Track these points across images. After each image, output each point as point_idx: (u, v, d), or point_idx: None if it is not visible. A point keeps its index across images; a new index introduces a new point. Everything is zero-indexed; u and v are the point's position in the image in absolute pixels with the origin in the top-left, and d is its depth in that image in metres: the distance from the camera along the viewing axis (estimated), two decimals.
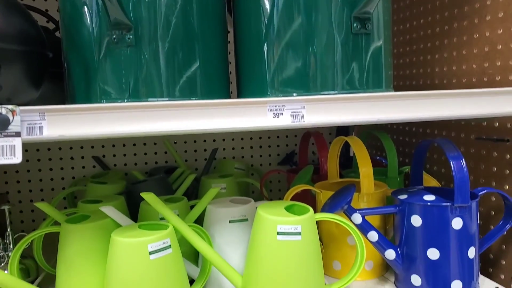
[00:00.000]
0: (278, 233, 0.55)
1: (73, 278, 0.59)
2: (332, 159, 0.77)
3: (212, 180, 0.91)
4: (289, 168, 1.10)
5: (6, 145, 0.44)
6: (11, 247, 0.64)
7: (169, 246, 0.55)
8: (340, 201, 0.62)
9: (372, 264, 0.69)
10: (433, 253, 0.60)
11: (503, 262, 0.68)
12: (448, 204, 0.59)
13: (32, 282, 0.70)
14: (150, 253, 0.53)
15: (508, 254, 0.67)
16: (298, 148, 1.00)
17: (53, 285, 0.64)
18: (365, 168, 0.67)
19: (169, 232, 0.56)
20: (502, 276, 0.68)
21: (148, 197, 0.58)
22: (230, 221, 0.66)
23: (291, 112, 0.50)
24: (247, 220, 0.67)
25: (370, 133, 0.87)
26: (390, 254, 0.63)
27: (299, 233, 0.55)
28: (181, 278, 0.55)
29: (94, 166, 1.05)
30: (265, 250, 0.56)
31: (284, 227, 0.55)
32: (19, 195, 1.01)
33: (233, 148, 1.12)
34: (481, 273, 0.70)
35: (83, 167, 1.04)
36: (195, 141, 1.10)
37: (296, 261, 0.55)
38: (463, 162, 0.59)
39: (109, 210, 0.61)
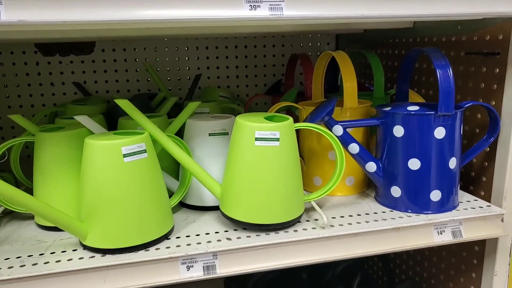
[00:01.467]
0: (256, 139, 0.54)
1: (49, 185, 0.58)
2: (317, 77, 0.75)
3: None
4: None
5: None
6: None
7: (144, 151, 0.53)
8: (321, 111, 0.61)
9: (353, 180, 0.69)
10: (414, 164, 0.60)
11: (484, 179, 0.68)
12: (432, 113, 0.58)
13: None
14: (124, 155, 0.51)
15: (489, 170, 0.67)
16: (285, 73, 0.98)
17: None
18: (350, 83, 0.65)
19: (144, 137, 0.54)
20: (482, 193, 0.69)
21: (123, 103, 0.56)
22: (209, 134, 0.64)
23: (269, 4, 0.46)
24: (227, 133, 0.65)
25: (360, 53, 0.83)
26: (371, 166, 0.63)
27: (277, 139, 0.54)
28: (157, 184, 0.55)
29: (75, 93, 1.02)
30: (243, 157, 0.55)
31: (262, 133, 0.54)
32: (2, 122, 0.99)
33: (218, 77, 1.09)
34: (461, 190, 0.71)
35: (64, 94, 1.01)
36: (178, 69, 1.06)
37: (273, 167, 0.54)
38: (450, 71, 0.57)
39: (83, 119, 0.59)
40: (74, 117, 0.59)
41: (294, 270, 0.92)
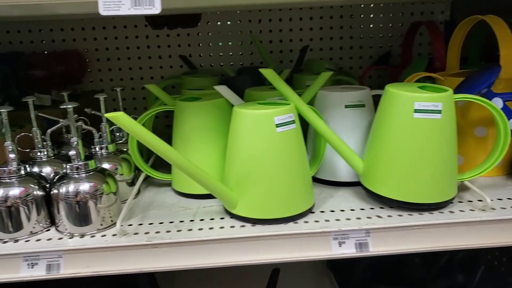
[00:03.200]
0: (415, 111, 0.50)
1: (190, 153, 0.59)
2: (454, 45, 0.68)
3: (306, 76, 0.86)
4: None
5: None
6: (108, 140, 0.64)
7: (293, 122, 0.52)
8: (479, 83, 0.55)
9: (502, 160, 0.63)
10: None
11: None
12: None
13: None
14: (277, 125, 0.50)
15: None
16: (403, 42, 0.91)
17: (162, 167, 0.65)
18: (507, 51, 0.58)
19: (293, 107, 0.52)
20: None
21: (267, 72, 0.54)
22: (346, 106, 0.61)
23: None
24: (363, 105, 0.62)
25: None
26: None
27: (439, 111, 0.49)
28: (303, 156, 0.53)
29: (181, 66, 1.03)
30: (397, 130, 0.51)
31: (422, 104, 0.49)
32: (112, 93, 1.03)
33: (321, 49, 1.04)
34: None
35: (171, 67, 1.03)
36: (280, 41, 1.03)
37: (433, 142, 0.50)
38: None
39: (223, 89, 0.59)
40: (214, 87, 0.59)
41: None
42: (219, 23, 1.01)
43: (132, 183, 0.63)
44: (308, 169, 0.54)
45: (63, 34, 0.99)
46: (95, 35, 1.00)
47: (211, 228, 0.51)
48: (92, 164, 0.53)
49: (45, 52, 0.99)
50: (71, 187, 0.51)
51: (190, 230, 0.51)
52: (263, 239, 0.49)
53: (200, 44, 1.02)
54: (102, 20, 0.99)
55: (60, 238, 0.51)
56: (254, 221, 0.52)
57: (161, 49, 1.02)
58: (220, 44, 1.02)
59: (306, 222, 0.52)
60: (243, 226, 0.51)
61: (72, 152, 0.52)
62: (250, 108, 0.51)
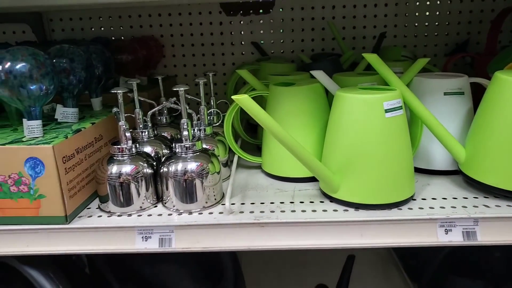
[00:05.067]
0: None
1: None
2: None
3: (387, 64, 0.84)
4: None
5: None
6: (206, 123, 0.65)
7: (401, 107, 0.51)
8: None
9: None
10: None
11: None
12: None
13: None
14: (386, 111, 0.50)
15: None
16: (490, 30, 0.87)
17: (248, 150, 0.67)
18: None
19: (400, 93, 0.52)
20: None
21: (372, 58, 0.54)
22: (445, 93, 0.60)
23: None
24: (463, 93, 0.60)
25: None
26: None
27: None
28: (408, 143, 0.53)
29: (252, 53, 1.04)
30: (508, 118, 0.50)
31: None
32: (185, 78, 1.06)
33: (394, 36, 1.02)
34: None
35: (242, 53, 1.04)
36: (354, 27, 1.01)
37: None
38: None
39: (319, 74, 0.59)
40: (311, 72, 0.59)
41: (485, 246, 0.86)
42: (292, 9, 1.01)
43: (225, 164, 0.65)
44: (411, 156, 0.54)
45: (141, 20, 1.03)
46: (170, 21, 1.03)
47: (314, 211, 0.52)
48: (199, 145, 0.55)
49: (122, 37, 1.04)
50: (180, 166, 0.54)
51: (293, 211, 0.52)
52: (369, 224, 0.50)
53: (272, 31, 1.02)
54: (178, 7, 1.01)
55: (170, 214, 0.53)
56: (357, 206, 0.52)
57: (234, 36, 1.03)
58: (292, 30, 1.02)
59: (410, 208, 0.51)
60: (346, 210, 0.52)
61: (185, 133, 0.54)
62: (356, 93, 0.51)
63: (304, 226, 0.50)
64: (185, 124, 0.54)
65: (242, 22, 1.02)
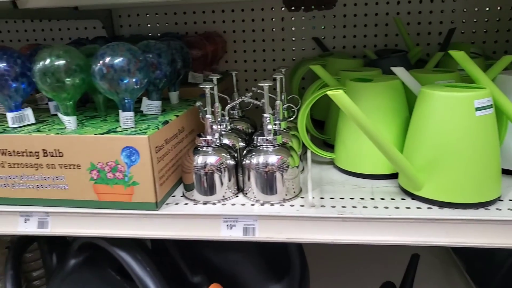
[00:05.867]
0: None
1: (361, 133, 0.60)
2: None
3: (452, 60, 0.82)
4: None
5: None
6: (281, 117, 0.66)
7: (491, 106, 0.50)
8: None
9: None
10: None
11: None
12: None
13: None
14: (476, 109, 0.49)
15: None
16: None
17: (317, 144, 0.67)
18: None
19: (489, 91, 0.51)
20: None
21: (458, 55, 0.53)
22: None
23: None
24: None
25: None
26: None
27: None
28: (496, 141, 0.52)
29: (313, 48, 1.04)
30: None
31: None
32: (245, 74, 1.08)
33: (462, 32, 0.99)
34: None
35: (303, 49, 1.05)
36: (419, 23, 0.99)
37: None
38: None
39: (400, 70, 0.59)
40: (392, 68, 0.59)
41: None
42: (355, 5, 1.00)
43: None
44: (499, 155, 0.52)
45: (204, 16, 1.05)
46: (233, 17, 1.05)
47: (396, 208, 0.52)
48: (279, 139, 0.56)
49: (186, 33, 1.07)
50: (262, 159, 0.55)
51: (375, 207, 0.53)
52: (456, 223, 0.49)
53: (335, 26, 1.02)
54: (241, 3, 1.03)
55: (252, 205, 0.55)
56: (441, 204, 0.52)
57: (295, 31, 1.04)
58: (355, 26, 1.01)
59: (498, 209, 0.51)
60: (429, 208, 0.52)
61: (270, 127, 0.55)
62: (444, 91, 0.51)
63: (388, 222, 0.50)
64: (268, 118, 0.56)
65: (304, 18, 1.03)
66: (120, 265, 0.64)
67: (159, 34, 1.07)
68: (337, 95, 0.44)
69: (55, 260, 0.75)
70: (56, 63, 0.54)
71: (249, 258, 0.75)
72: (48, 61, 0.54)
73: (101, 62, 0.53)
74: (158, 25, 1.08)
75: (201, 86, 0.57)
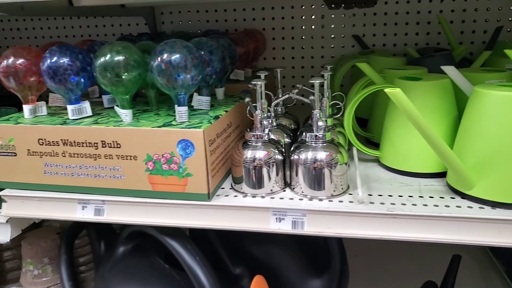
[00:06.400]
0: None
1: (411, 131, 0.60)
2: None
3: (502, 59, 0.80)
4: None
5: None
6: (328, 114, 0.67)
7: None
8: None
9: None
10: None
11: None
12: None
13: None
14: None
15: None
16: None
17: (366, 144, 0.67)
18: None
19: None
20: None
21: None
22: None
23: None
24: None
25: None
26: None
27: None
28: None
29: (353, 46, 1.04)
30: None
31: None
32: (284, 70, 1.09)
33: (508, 31, 0.97)
34: None
35: (343, 46, 1.05)
36: (463, 21, 0.98)
37: None
38: None
39: (451, 70, 0.59)
40: (442, 67, 0.59)
41: None
42: (397, 3, 0.99)
43: None
44: None
45: (245, 13, 1.07)
46: (273, 14, 1.06)
47: (447, 206, 0.52)
48: (328, 135, 0.57)
49: (227, 30, 1.09)
50: (310, 155, 0.56)
51: (425, 205, 0.53)
52: (510, 223, 0.49)
53: (375, 24, 1.02)
54: (282, 0, 1.04)
55: (301, 199, 0.57)
56: (493, 204, 0.51)
57: (335, 29, 1.04)
58: (396, 24, 1.01)
59: None
60: (481, 207, 0.52)
61: (320, 123, 0.57)
62: (500, 90, 0.50)
63: (439, 220, 0.50)
64: (318, 114, 0.57)
65: (344, 15, 1.03)
66: (167, 253, 0.66)
67: (199, 31, 1.09)
68: (395, 93, 0.45)
69: (103, 247, 0.78)
70: (116, 58, 0.57)
71: (290, 252, 0.76)
72: (108, 56, 0.57)
73: (159, 58, 0.55)
74: (199, 22, 1.10)
75: (252, 83, 0.58)
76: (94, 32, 1.16)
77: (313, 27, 1.05)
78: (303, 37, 1.06)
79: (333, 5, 1.02)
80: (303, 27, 1.05)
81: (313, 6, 1.03)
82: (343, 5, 1.01)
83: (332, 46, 1.05)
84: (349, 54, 1.05)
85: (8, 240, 0.66)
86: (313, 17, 1.04)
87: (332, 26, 1.04)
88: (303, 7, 1.04)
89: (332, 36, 1.04)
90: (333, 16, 1.03)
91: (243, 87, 0.83)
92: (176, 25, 1.12)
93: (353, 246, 0.89)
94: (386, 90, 0.45)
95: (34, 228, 0.88)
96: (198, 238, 0.80)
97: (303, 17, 1.04)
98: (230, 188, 0.61)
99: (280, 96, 0.72)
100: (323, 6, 1.03)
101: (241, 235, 0.77)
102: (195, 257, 0.59)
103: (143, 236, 0.67)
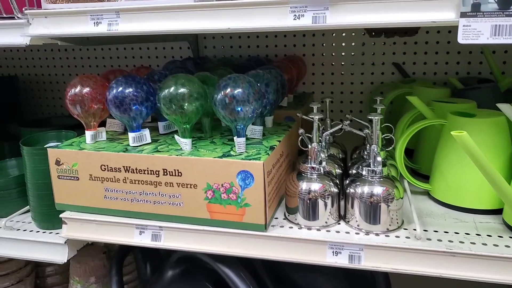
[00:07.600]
0: None
1: (464, 168, 0.61)
2: None
3: None
4: None
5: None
6: (380, 146, 0.68)
7: None
8: None
9: None
10: None
11: None
12: None
13: None
14: None
15: None
16: None
17: (412, 175, 0.68)
18: None
19: None
20: None
21: None
22: None
23: None
24: None
25: None
26: None
27: None
28: None
29: (392, 73, 1.05)
30: None
31: None
32: (322, 95, 1.11)
33: None
34: None
35: (382, 73, 1.06)
36: (505, 51, 0.98)
37: None
38: None
39: (507, 107, 0.59)
40: (498, 104, 0.59)
41: None
42: (438, 32, 1.00)
43: None
44: None
45: (286, 39, 1.10)
46: (313, 41, 1.08)
47: (507, 246, 0.52)
48: (385, 170, 0.58)
49: (267, 55, 1.11)
50: (367, 189, 0.57)
51: (484, 244, 0.53)
52: None
53: (416, 53, 1.03)
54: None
55: (357, 233, 0.57)
56: None
57: (375, 56, 1.05)
58: (437, 53, 1.01)
59: None
60: None
61: (378, 159, 0.58)
62: None
63: (500, 261, 0.50)
64: (375, 149, 0.58)
65: (385, 44, 1.04)
66: (216, 279, 0.67)
67: (240, 56, 1.12)
68: (462, 136, 0.45)
69: (149, 269, 0.80)
70: (180, 90, 0.60)
71: (334, 282, 0.76)
72: (173, 89, 0.60)
73: (223, 92, 0.58)
74: (240, 47, 1.13)
75: (311, 116, 0.60)
76: (138, 55, 1.20)
77: (353, 53, 1.06)
78: (343, 63, 1.08)
79: (374, 33, 1.03)
80: (343, 54, 1.07)
81: (353, 34, 1.05)
82: (383, 33, 1.03)
83: (372, 73, 1.07)
84: (388, 81, 1.06)
85: (66, 261, 0.68)
86: (353, 44, 1.06)
87: (373, 53, 1.05)
88: (344, 34, 1.06)
89: (372, 63, 1.06)
90: (373, 43, 1.05)
91: (286, 113, 0.85)
92: (219, 50, 1.16)
93: (400, 278, 0.88)
94: (452, 133, 0.46)
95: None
96: (241, 262, 0.81)
97: (343, 44, 1.06)
98: (284, 218, 0.62)
99: (329, 127, 0.74)
100: (364, 34, 1.04)
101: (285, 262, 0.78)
102: (248, 286, 0.60)
103: (191, 261, 0.69)
